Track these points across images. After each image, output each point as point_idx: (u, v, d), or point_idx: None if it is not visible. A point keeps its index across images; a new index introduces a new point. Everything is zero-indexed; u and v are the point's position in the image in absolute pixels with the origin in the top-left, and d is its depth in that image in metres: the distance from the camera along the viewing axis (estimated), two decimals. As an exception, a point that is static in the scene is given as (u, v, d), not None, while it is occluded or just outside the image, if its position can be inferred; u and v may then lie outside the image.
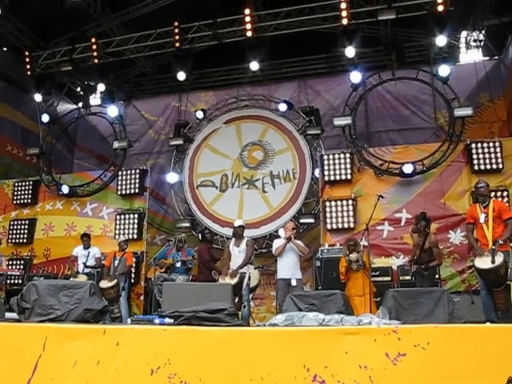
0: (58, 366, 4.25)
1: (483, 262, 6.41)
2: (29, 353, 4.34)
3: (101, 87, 13.41)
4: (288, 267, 8.37)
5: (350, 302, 8.18)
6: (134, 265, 10.44)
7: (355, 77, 11.38)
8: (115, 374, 4.10)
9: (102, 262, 10.03)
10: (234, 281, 7.95)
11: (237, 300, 7.96)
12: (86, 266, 9.72)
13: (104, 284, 9.03)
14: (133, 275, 10.76)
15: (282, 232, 10.65)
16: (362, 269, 8.31)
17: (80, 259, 9.90)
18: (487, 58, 13.36)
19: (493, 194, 9.60)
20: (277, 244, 8.66)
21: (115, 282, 9.16)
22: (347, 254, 8.51)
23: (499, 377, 3.48)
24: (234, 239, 8.73)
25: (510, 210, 7.16)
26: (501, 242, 6.46)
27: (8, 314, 6.24)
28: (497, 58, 13.19)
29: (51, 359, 4.28)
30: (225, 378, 3.90)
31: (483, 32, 12.73)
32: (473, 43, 13.29)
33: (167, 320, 4.65)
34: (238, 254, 8.47)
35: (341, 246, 10.10)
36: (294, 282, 8.25)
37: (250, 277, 8.43)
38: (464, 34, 13.33)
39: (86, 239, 10.12)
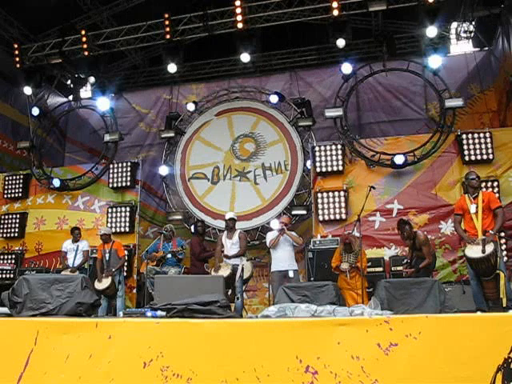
0: (50, 360, 4.24)
1: (473, 252, 6.42)
2: (20, 347, 4.32)
3: (91, 80, 13.31)
4: (284, 259, 8.40)
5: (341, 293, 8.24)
6: (126, 257, 10.36)
7: (346, 68, 11.38)
8: (108, 368, 4.09)
9: (94, 255, 10.00)
10: (227, 273, 7.96)
11: (230, 292, 7.99)
12: (76, 268, 9.65)
13: (99, 286, 9.02)
14: (125, 268, 10.72)
15: (274, 224, 10.69)
16: (352, 270, 8.33)
17: (69, 253, 9.86)
18: (477, 49, 13.39)
19: (483, 184, 9.68)
20: (270, 237, 8.68)
21: (109, 281, 9.14)
22: (343, 250, 8.51)
23: (490, 365, 3.51)
24: (226, 232, 8.75)
25: (498, 200, 7.20)
26: (492, 232, 6.49)
27: (-1, 309, 6.23)
28: (487, 49, 13.23)
29: (43, 353, 4.27)
30: (218, 370, 3.90)
31: (473, 23, 12.78)
32: (463, 34, 13.33)
33: (159, 313, 4.65)
34: (230, 246, 8.49)
35: (333, 237, 10.14)
36: (291, 274, 8.28)
37: (243, 269, 8.45)
38: (454, 25, 13.38)
39: (77, 232, 10.08)
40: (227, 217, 8.81)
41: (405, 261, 8.46)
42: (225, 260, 8.41)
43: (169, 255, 9.51)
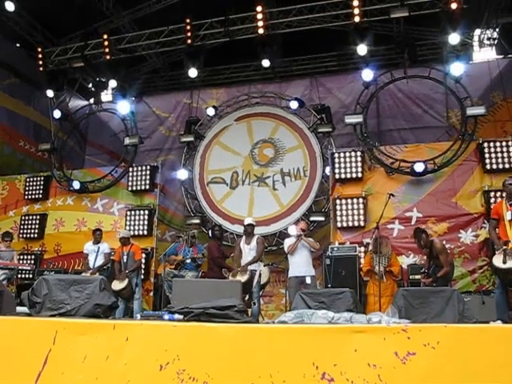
0: (67, 360, 4.27)
1: (500, 261, 6.23)
2: (39, 347, 4.35)
3: (112, 83, 13.43)
4: (301, 264, 8.36)
5: (366, 299, 8.14)
6: (143, 260, 10.44)
7: (367, 75, 11.36)
8: (124, 369, 4.11)
9: (112, 257, 10.05)
10: (245, 278, 7.96)
11: (247, 297, 7.97)
12: (97, 270, 9.70)
13: (116, 286, 9.10)
14: (142, 271, 10.76)
15: (291, 230, 10.66)
16: (387, 274, 8.23)
17: (90, 255, 9.92)
18: (501, 56, 13.21)
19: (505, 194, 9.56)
20: (288, 243, 8.66)
21: (126, 282, 9.24)
22: (374, 252, 8.42)
23: (509, 376, 3.45)
24: (244, 237, 8.76)
25: None
26: None
27: (19, 308, 6.28)
28: (511, 56, 13.06)
29: (61, 353, 4.30)
30: (233, 375, 3.90)
31: (497, 30, 12.62)
32: (486, 41, 13.17)
33: (177, 316, 4.65)
34: (248, 251, 8.49)
35: (351, 244, 10.09)
36: (308, 280, 8.24)
37: (260, 274, 8.44)
38: (477, 32, 13.22)
39: (98, 233, 10.13)
40: (246, 222, 8.81)
41: (422, 270, 8.37)
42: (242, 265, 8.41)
43: (188, 260, 9.53)
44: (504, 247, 6.27)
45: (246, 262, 8.35)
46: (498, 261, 6.34)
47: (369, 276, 8.43)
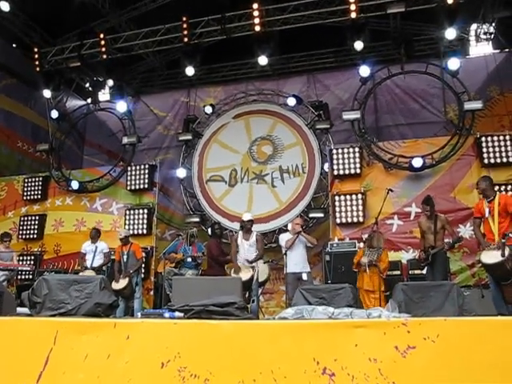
0: (69, 359, 4.28)
1: (488, 257, 6.36)
2: (40, 347, 4.36)
3: (109, 83, 13.46)
4: (297, 261, 8.37)
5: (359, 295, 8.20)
6: (143, 258, 10.45)
7: (364, 71, 11.36)
8: (126, 368, 4.11)
9: (112, 257, 10.05)
10: (249, 275, 7.95)
11: (247, 294, 7.97)
12: (94, 269, 9.70)
13: (116, 285, 9.11)
14: (142, 270, 10.76)
15: (290, 227, 10.66)
16: (372, 267, 8.28)
17: (88, 254, 9.92)
18: (498, 50, 13.25)
19: (503, 187, 9.61)
20: (284, 238, 8.64)
21: (127, 281, 9.24)
22: (368, 246, 8.47)
23: (510, 370, 3.47)
24: (241, 233, 8.71)
25: None
26: (510, 235, 6.39)
27: (19, 309, 6.29)
28: (507, 50, 13.09)
29: (62, 353, 4.30)
30: (235, 371, 3.91)
31: (494, 24, 12.64)
32: (483, 36, 13.21)
33: (177, 314, 4.66)
34: (248, 247, 8.48)
35: (351, 240, 10.12)
36: (304, 277, 8.24)
37: (258, 271, 8.44)
38: (474, 26, 13.27)
39: (95, 232, 10.14)
40: (246, 218, 8.76)
41: (416, 254, 8.42)
42: (244, 263, 8.40)
43: (189, 259, 9.53)
44: (503, 240, 6.30)
45: (252, 259, 8.34)
46: (485, 257, 6.45)
47: (358, 268, 8.49)
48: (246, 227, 8.65)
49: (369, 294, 8.11)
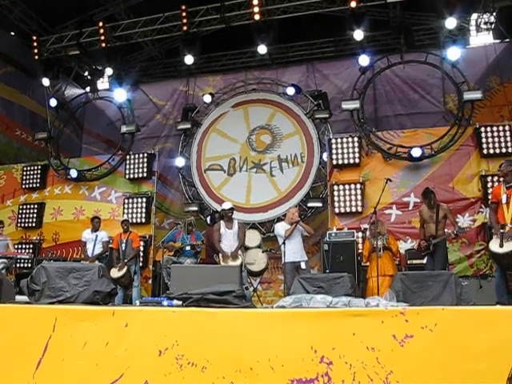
0: (67, 346, 4.30)
1: (497, 246, 6.23)
2: (39, 334, 4.38)
3: (108, 71, 13.36)
4: (296, 250, 8.35)
5: (366, 284, 8.17)
6: (141, 247, 10.47)
7: (363, 60, 11.32)
8: (124, 355, 4.14)
9: (110, 245, 10.05)
10: (237, 263, 7.98)
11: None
12: (96, 258, 9.70)
13: (114, 274, 9.11)
14: (141, 259, 10.77)
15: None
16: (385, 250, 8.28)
17: (88, 243, 9.91)
18: (498, 40, 13.18)
19: (502, 178, 9.56)
20: (280, 227, 8.62)
21: (125, 270, 9.26)
22: (372, 237, 8.43)
23: (507, 358, 3.48)
24: (222, 222, 8.65)
25: None
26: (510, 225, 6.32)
27: (18, 297, 6.31)
28: (508, 40, 13.02)
29: (61, 340, 4.33)
30: (232, 360, 3.93)
31: (494, 14, 12.57)
32: (483, 26, 13.15)
33: (175, 302, 4.67)
34: (232, 236, 8.45)
35: (349, 229, 10.11)
36: (303, 265, 8.23)
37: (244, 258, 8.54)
38: (474, 16, 13.18)
39: (96, 221, 10.09)
40: (227, 207, 8.66)
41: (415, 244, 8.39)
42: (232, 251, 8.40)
43: (188, 247, 9.54)
44: (501, 231, 6.26)
45: (236, 247, 8.36)
46: (494, 245, 6.35)
47: (370, 260, 8.43)
48: (227, 215, 8.60)
49: (375, 278, 8.02)
